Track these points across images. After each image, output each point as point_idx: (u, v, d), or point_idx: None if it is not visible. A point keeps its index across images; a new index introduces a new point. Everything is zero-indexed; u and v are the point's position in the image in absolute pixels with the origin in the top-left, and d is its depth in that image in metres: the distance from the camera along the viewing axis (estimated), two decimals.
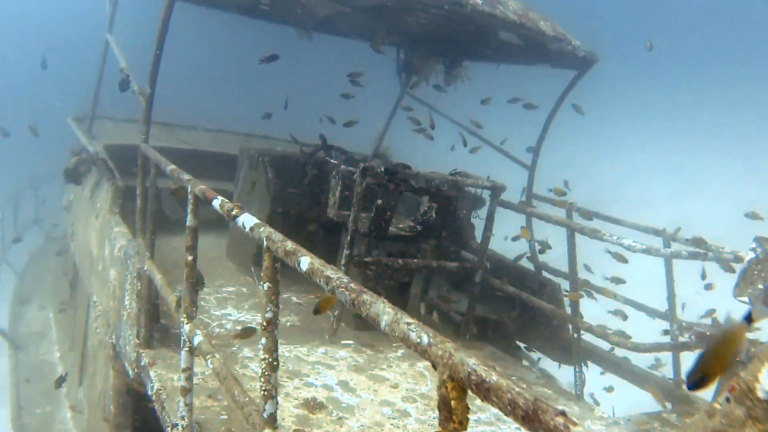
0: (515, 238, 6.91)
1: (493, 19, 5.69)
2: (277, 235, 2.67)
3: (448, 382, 1.68)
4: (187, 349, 3.58)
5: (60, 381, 6.75)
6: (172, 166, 4.32)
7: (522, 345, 7.07)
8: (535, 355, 7.18)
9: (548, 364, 7.49)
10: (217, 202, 3.33)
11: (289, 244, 2.57)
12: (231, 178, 8.81)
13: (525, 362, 6.87)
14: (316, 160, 6.81)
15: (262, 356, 2.70)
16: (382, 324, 1.92)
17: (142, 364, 4.45)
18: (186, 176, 3.94)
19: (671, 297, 5.60)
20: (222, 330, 5.42)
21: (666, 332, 5.37)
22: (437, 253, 6.15)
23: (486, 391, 1.51)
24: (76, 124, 7.91)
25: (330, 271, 2.27)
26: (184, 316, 3.64)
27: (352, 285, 2.14)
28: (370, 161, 8.38)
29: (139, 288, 4.69)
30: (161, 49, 5.22)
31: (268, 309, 2.72)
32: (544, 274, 6.92)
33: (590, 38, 6.83)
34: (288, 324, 5.73)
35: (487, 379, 1.52)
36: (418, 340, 1.79)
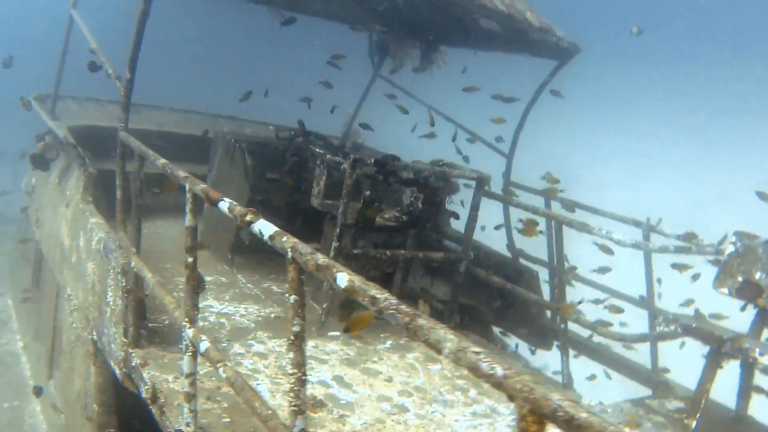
0: (498, 227, 6.94)
1: (483, 10, 5.64)
2: (305, 247, 2.59)
3: (528, 417, 1.64)
4: (190, 354, 3.48)
5: (38, 392, 6.53)
6: (163, 161, 4.16)
7: (498, 330, 7.16)
8: (510, 340, 7.29)
9: (523, 349, 7.64)
10: (224, 205, 3.23)
11: (320, 258, 2.50)
12: (198, 160, 8.59)
13: (500, 346, 6.97)
14: (296, 147, 6.68)
15: (291, 371, 2.63)
16: (445, 352, 1.86)
17: (133, 364, 4.32)
18: (182, 173, 3.80)
19: (650, 288, 5.74)
20: (206, 323, 5.30)
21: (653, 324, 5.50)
22: (419, 241, 6.13)
23: (575, 429, 1.49)
24: (38, 105, 7.55)
25: (375, 291, 2.20)
26: (186, 320, 3.54)
27: (403, 308, 2.08)
28: (349, 146, 8.30)
29: (124, 284, 4.54)
30: (142, 31, 5.00)
31: (295, 323, 2.65)
32: (522, 261, 6.99)
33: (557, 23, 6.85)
34: (272, 315, 5.65)
35: (577, 417, 1.50)
36: (491, 372, 1.74)
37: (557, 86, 7.18)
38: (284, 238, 2.72)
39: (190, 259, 3.59)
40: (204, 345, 3.31)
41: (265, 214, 6.66)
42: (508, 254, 7.18)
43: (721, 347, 4.54)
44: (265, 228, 2.87)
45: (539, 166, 8.38)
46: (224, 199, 3.27)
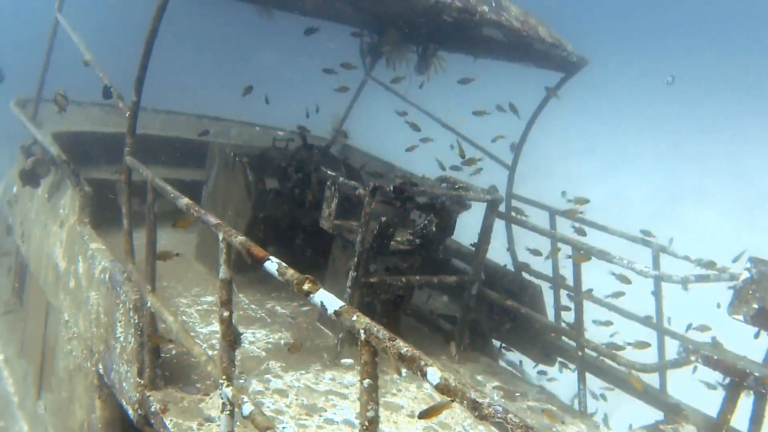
0: (533, 251, 6.81)
1: (499, 27, 5.50)
2: (383, 332, 2.44)
3: None
4: (228, 413, 3.32)
5: None
6: (186, 200, 3.94)
7: (499, 344, 7.13)
8: (512, 355, 7.28)
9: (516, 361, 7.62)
10: (273, 267, 3.02)
11: (403, 347, 2.36)
12: (184, 165, 8.29)
13: (501, 363, 6.94)
14: (297, 161, 6.48)
15: None
16: None
17: (152, 409, 4.12)
18: (213, 219, 3.59)
19: (660, 313, 5.75)
20: (216, 352, 5.10)
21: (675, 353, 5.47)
22: (428, 262, 6.02)
23: None
24: (19, 110, 7.14)
25: (475, 394, 2.09)
26: (224, 377, 3.36)
27: (513, 417, 1.98)
28: (336, 146, 8.07)
29: (137, 322, 4.32)
30: (150, 51, 4.72)
31: (369, 408, 2.52)
32: (524, 275, 6.95)
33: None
34: (282, 342, 5.48)
35: None
36: None
37: (527, 75, 6.99)
38: (354, 317, 2.56)
39: (226, 314, 3.40)
40: (247, 408, 3.15)
41: (269, 232, 6.49)
42: (498, 264, 7.09)
43: (743, 380, 4.57)
44: (328, 301, 2.70)
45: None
46: (271, 258, 3.07)
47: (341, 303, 2.66)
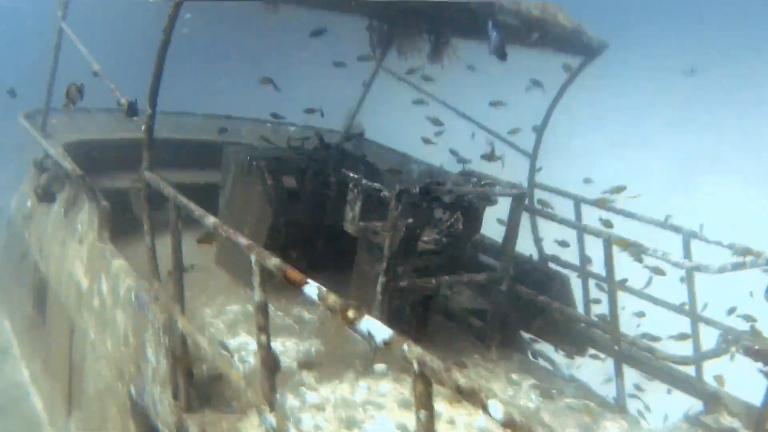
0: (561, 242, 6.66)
1: (518, 17, 5.35)
2: (438, 362, 2.31)
3: None
4: None
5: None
6: (213, 219, 3.83)
7: (527, 336, 7.03)
8: (539, 345, 7.17)
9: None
10: (313, 291, 2.92)
11: (460, 378, 2.22)
12: (197, 167, 8.16)
13: (531, 357, 6.84)
14: (315, 161, 6.35)
15: None
16: None
17: None
18: (244, 240, 3.49)
19: (693, 303, 5.62)
20: (247, 363, 5.03)
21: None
22: (454, 258, 5.90)
23: None
24: (29, 123, 7.03)
25: (543, 430, 1.98)
26: (265, 404, 3.28)
27: None
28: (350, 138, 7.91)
29: (167, 343, 4.23)
30: (162, 63, 4.59)
31: None
32: (551, 265, 6.84)
33: None
34: (313, 350, 5.39)
35: None
36: None
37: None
38: (406, 346, 2.44)
39: (264, 338, 3.30)
40: None
41: (290, 237, 6.37)
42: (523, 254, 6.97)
43: None
44: (376, 330, 2.59)
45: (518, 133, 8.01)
46: (310, 282, 2.97)
47: (390, 331, 2.55)
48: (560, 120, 7.33)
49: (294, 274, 3.05)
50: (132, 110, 4.74)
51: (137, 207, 7.48)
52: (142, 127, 4.69)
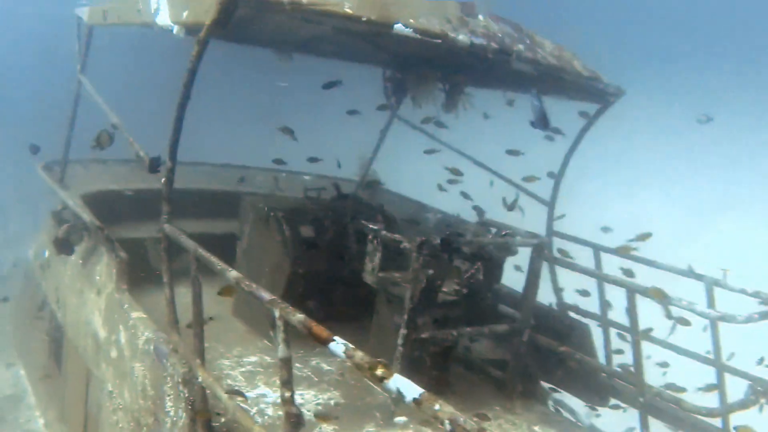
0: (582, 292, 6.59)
1: (535, 65, 5.40)
2: (470, 423, 2.29)
3: None
4: None
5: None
6: (235, 273, 3.82)
7: (547, 386, 6.91)
8: (559, 395, 7.04)
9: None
10: (339, 349, 2.89)
11: None
12: (213, 216, 8.18)
13: (552, 407, 6.71)
14: (333, 211, 6.37)
15: None
16: None
17: None
18: (267, 295, 3.47)
19: (717, 352, 5.52)
20: (266, 417, 4.94)
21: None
22: (474, 309, 5.85)
23: None
24: (47, 175, 7.11)
25: None
26: None
27: None
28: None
29: (186, 396, 4.19)
30: (182, 117, 4.62)
31: None
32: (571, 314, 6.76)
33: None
34: (332, 402, 5.31)
35: None
36: None
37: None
38: (437, 405, 2.41)
39: (288, 394, 3.27)
40: None
41: (308, 288, 6.34)
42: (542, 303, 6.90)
43: None
44: (406, 388, 2.55)
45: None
46: (336, 339, 2.94)
47: (420, 390, 2.52)
48: (573, 165, 7.32)
49: (319, 330, 3.03)
50: (155, 165, 4.77)
51: (154, 257, 7.51)
52: (162, 180, 4.71)
